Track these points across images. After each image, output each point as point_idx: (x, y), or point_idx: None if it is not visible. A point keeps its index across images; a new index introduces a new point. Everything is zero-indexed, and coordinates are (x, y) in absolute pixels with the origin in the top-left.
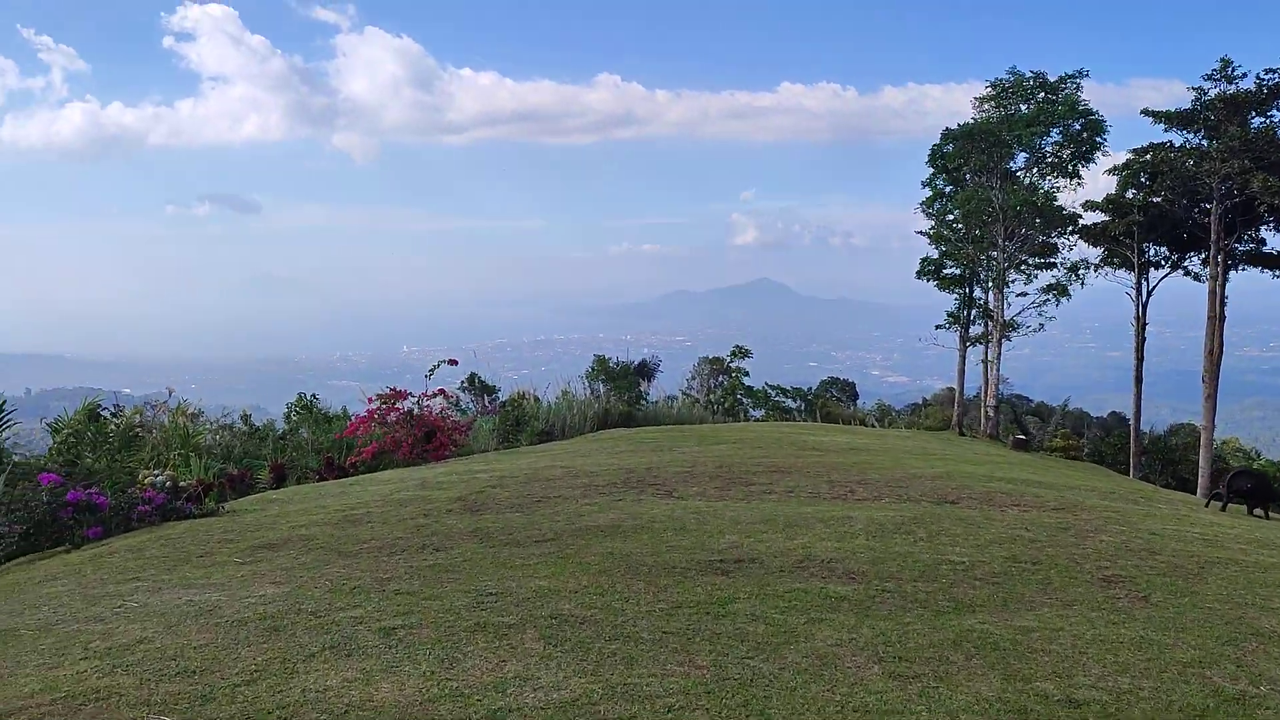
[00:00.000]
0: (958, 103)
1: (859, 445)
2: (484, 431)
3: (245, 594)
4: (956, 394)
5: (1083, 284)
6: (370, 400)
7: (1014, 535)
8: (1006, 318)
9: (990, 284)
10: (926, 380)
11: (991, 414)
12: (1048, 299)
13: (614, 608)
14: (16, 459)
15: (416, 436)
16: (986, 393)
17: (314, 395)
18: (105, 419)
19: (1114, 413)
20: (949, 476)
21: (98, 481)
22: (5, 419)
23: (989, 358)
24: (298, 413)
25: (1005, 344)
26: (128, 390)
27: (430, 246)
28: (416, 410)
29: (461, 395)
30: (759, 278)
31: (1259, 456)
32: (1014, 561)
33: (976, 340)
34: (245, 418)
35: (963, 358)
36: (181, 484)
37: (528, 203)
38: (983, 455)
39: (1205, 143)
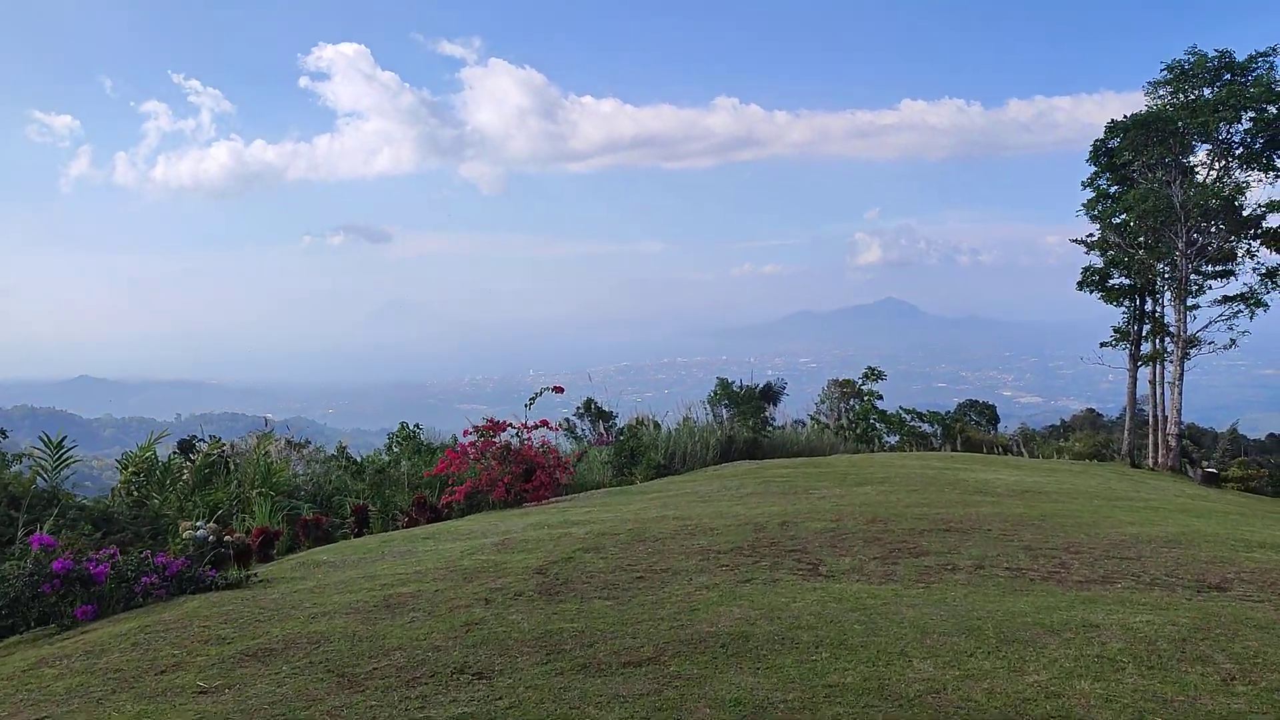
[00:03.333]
0: (1089, 114)
1: (1032, 486)
2: (597, 463)
3: None
4: (1127, 420)
5: None
6: (466, 433)
7: None
8: (1189, 333)
9: (1169, 295)
10: (1061, 400)
11: (1173, 444)
12: (1239, 310)
13: None
14: (86, 499)
15: (514, 474)
16: (1167, 420)
17: (416, 425)
18: (185, 454)
19: (1272, 434)
20: (1185, 540)
21: (165, 527)
22: (63, 456)
23: (1163, 378)
24: (399, 443)
25: (1178, 363)
26: (270, 415)
27: (555, 272)
28: (516, 443)
29: (577, 422)
30: (884, 297)
31: None
32: None
33: (1146, 359)
34: (341, 450)
35: (1133, 378)
36: (228, 538)
37: (649, 227)
38: (1189, 499)
39: None
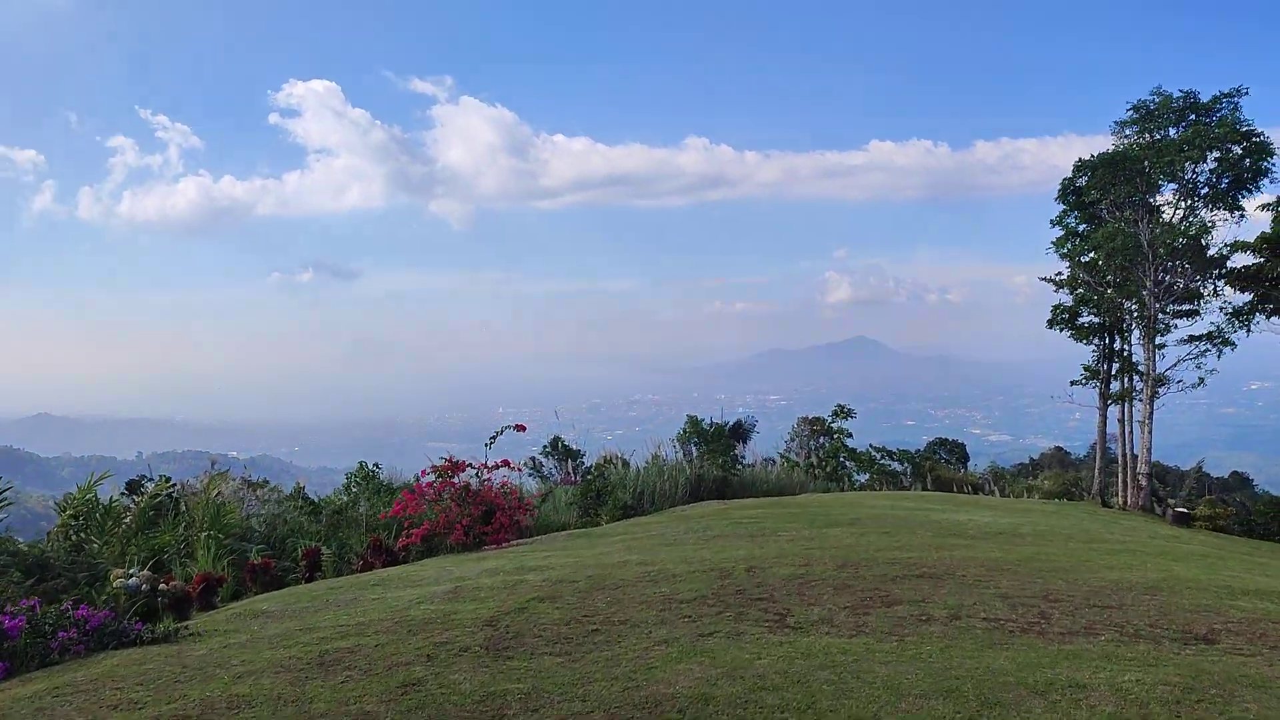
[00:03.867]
0: (1053, 156)
1: (1006, 527)
2: (562, 504)
3: None
4: (1097, 458)
5: (1249, 331)
6: (424, 473)
7: None
8: (1158, 371)
9: (1139, 333)
10: (1029, 439)
11: (1144, 483)
12: (1207, 349)
13: None
14: (22, 544)
15: (473, 516)
16: (1136, 458)
17: (375, 464)
18: (132, 494)
19: (1235, 472)
20: (1167, 587)
21: (103, 574)
22: None
23: (1131, 416)
24: (357, 483)
25: (1148, 402)
26: (234, 453)
27: (526, 309)
28: (475, 484)
29: (544, 461)
30: (854, 335)
31: None
32: None
33: (1115, 398)
34: (298, 490)
35: (1103, 417)
36: (164, 586)
37: (620, 265)
38: (1163, 541)
39: None
